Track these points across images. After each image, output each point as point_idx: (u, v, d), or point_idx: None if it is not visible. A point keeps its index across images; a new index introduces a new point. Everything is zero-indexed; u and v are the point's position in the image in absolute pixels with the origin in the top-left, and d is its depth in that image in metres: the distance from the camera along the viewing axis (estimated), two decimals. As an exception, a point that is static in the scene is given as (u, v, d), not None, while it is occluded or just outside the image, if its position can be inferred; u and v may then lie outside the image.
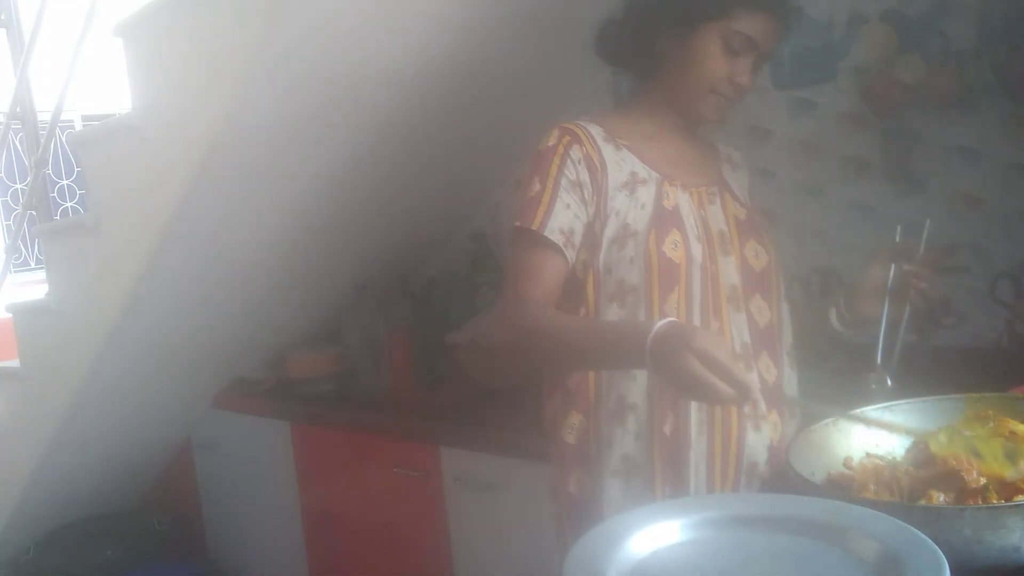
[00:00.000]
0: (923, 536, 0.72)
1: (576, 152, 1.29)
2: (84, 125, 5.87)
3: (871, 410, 1.10)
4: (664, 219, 1.27)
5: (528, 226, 1.27)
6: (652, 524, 0.80)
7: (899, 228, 1.39)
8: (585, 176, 1.29)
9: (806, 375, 1.42)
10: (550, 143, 1.31)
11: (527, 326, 1.23)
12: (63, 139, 4.43)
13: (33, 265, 5.47)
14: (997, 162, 1.82)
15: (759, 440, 1.26)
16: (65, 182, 6.20)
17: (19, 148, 4.70)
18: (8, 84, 2.71)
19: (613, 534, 0.78)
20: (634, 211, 1.28)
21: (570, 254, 1.28)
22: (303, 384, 2.60)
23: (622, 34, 1.36)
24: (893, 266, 1.32)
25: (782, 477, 1.24)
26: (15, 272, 4.35)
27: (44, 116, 2.60)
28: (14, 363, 2.47)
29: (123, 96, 2.02)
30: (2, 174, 5.98)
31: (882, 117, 1.95)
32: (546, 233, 1.26)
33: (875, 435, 1.06)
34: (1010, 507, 0.80)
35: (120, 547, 2.61)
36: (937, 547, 0.71)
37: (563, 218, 1.27)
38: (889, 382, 1.16)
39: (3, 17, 2.77)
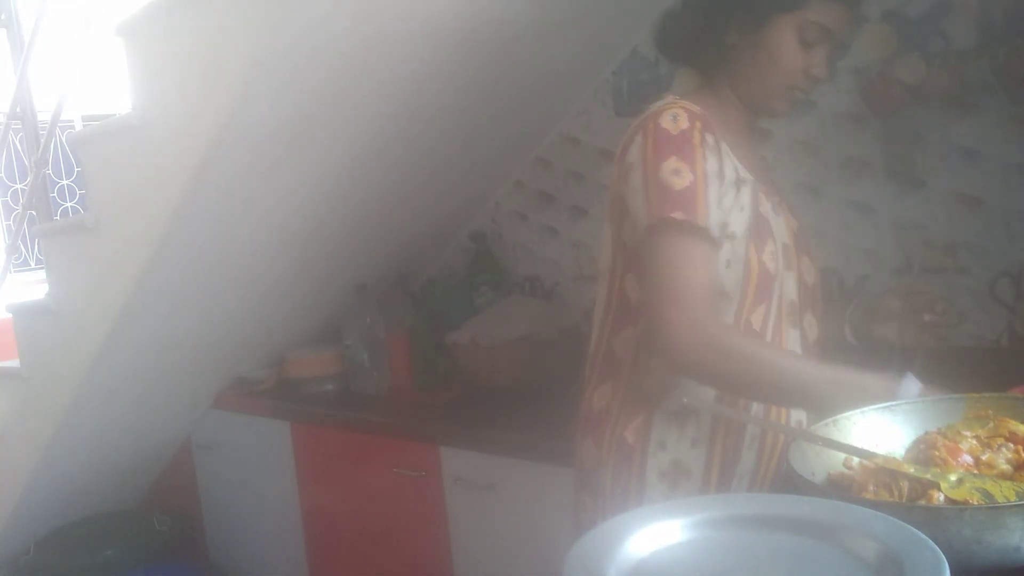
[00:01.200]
0: (923, 536, 0.72)
1: (710, 139, 1.18)
2: (84, 125, 5.86)
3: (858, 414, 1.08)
4: (762, 226, 1.21)
5: (692, 220, 1.13)
6: (652, 524, 0.80)
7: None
8: (718, 165, 1.18)
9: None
10: (683, 124, 1.17)
11: (716, 345, 1.11)
12: (63, 139, 4.43)
13: (33, 265, 5.47)
14: (997, 162, 1.82)
15: None
16: (65, 182, 6.20)
17: (19, 148, 4.71)
18: (8, 84, 2.71)
19: (613, 534, 0.78)
20: (735, 212, 1.19)
21: (726, 246, 1.19)
22: (303, 384, 2.60)
23: (686, 28, 1.28)
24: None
25: (782, 479, 1.25)
26: (15, 272, 4.35)
27: (44, 116, 2.60)
28: (14, 363, 2.47)
29: (123, 96, 2.02)
30: (2, 174, 5.98)
31: (882, 117, 1.95)
32: (706, 227, 1.14)
33: (874, 435, 1.05)
34: (1011, 507, 0.80)
35: (120, 547, 2.61)
36: (937, 547, 0.71)
37: (715, 213, 1.17)
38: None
39: (3, 17, 2.77)
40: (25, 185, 4.09)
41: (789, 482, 0.95)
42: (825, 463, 1.02)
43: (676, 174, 1.14)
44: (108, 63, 2.32)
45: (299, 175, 2.11)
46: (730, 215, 1.18)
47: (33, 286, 3.35)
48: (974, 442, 0.95)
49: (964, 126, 1.84)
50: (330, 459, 2.45)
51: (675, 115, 1.17)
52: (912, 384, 1.05)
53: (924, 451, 0.97)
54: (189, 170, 1.89)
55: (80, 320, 2.24)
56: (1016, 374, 1.41)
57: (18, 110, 2.68)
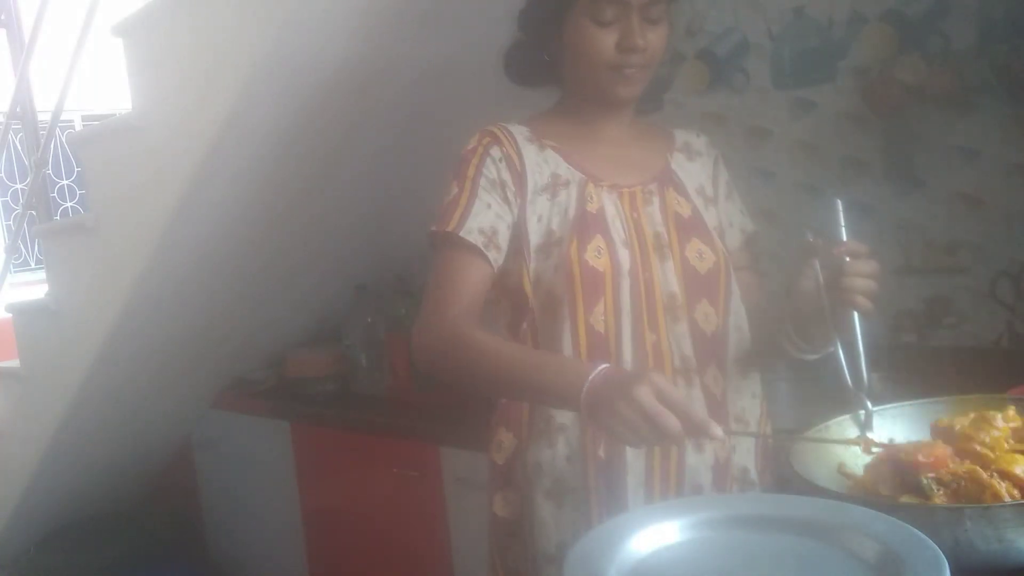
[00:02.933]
0: (923, 536, 0.72)
1: (496, 152, 1.23)
2: (84, 125, 5.87)
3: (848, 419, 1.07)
4: (587, 224, 1.20)
5: (444, 229, 1.20)
6: (652, 524, 0.80)
7: (808, 232, 1.18)
8: (507, 175, 1.22)
9: (806, 375, 1.39)
10: (470, 146, 1.25)
11: (446, 338, 1.17)
12: (63, 139, 4.43)
13: (33, 265, 5.46)
14: (997, 162, 1.82)
15: (701, 461, 1.19)
16: (65, 182, 6.20)
17: (19, 148, 4.70)
18: (8, 84, 2.71)
19: (613, 534, 0.78)
20: (557, 216, 1.21)
21: (493, 256, 1.20)
22: (303, 384, 2.60)
23: (520, 56, 1.31)
24: (820, 274, 1.12)
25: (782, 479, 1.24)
26: (15, 272, 4.34)
27: (44, 116, 2.60)
28: (14, 363, 2.47)
29: (123, 96, 2.02)
30: (2, 174, 5.98)
31: (882, 117, 1.94)
32: (463, 234, 1.18)
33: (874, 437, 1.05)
34: (1012, 506, 0.80)
35: (120, 547, 2.61)
36: (937, 547, 0.71)
37: (483, 218, 1.20)
38: (870, 405, 1.03)
39: (3, 17, 2.77)
40: (25, 185, 4.09)
41: (789, 482, 0.95)
42: (825, 464, 1.02)
43: (448, 193, 1.23)
44: (108, 63, 2.32)
45: (299, 174, 2.11)
46: (552, 221, 1.21)
47: (33, 286, 3.35)
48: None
49: (964, 126, 1.84)
50: (330, 459, 2.45)
51: (473, 138, 1.27)
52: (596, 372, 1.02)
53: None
54: (189, 170, 1.89)
55: (80, 320, 2.24)
56: (1016, 374, 1.41)
57: (18, 110, 2.68)
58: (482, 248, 1.19)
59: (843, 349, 1.08)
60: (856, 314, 1.08)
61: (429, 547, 2.21)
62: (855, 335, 1.07)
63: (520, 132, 1.26)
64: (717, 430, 0.94)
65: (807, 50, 2.03)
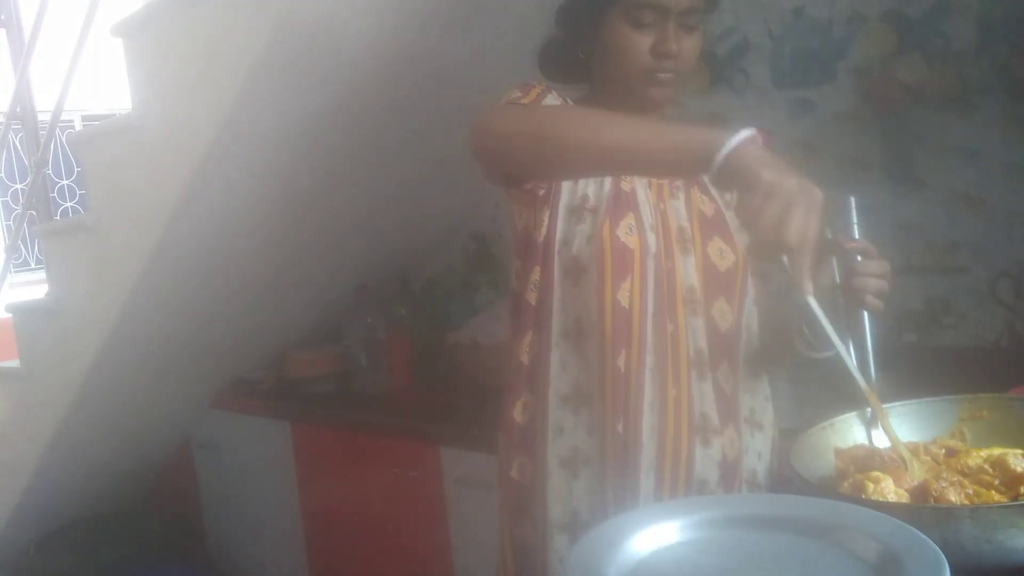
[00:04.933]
0: (923, 536, 0.72)
1: (556, 96, 1.24)
2: (84, 125, 5.87)
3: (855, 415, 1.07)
4: (620, 200, 1.20)
5: (512, 101, 1.19)
6: (652, 524, 0.80)
7: (827, 228, 1.15)
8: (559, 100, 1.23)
9: (808, 375, 1.38)
10: (528, 85, 1.24)
11: (524, 106, 1.15)
12: (63, 139, 4.42)
13: (33, 265, 5.47)
14: (997, 162, 1.82)
15: (708, 456, 1.20)
16: (65, 182, 6.20)
17: (19, 148, 4.71)
18: (8, 84, 2.71)
19: (613, 534, 0.78)
20: (594, 184, 1.21)
21: None
22: (303, 384, 2.60)
23: (555, 53, 1.32)
24: (836, 271, 1.13)
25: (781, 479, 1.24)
26: (15, 272, 4.34)
27: (44, 116, 2.60)
28: (14, 363, 2.47)
29: (123, 96, 2.02)
30: (2, 174, 5.99)
31: (882, 117, 1.95)
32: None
33: (874, 435, 1.05)
34: (1000, 508, 0.80)
35: (120, 547, 2.61)
36: (937, 547, 0.71)
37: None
38: (881, 405, 1.04)
39: (3, 17, 2.77)
40: (25, 185, 4.09)
41: (789, 482, 0.96)
42: (825, 464, 1.02)
43: (507, 95, 1.21)
44: (108, 63, 2.32)
45: (299, 174, 2.11)
46: (588, 187, 1.21)
47: (33, 286, 3.35)
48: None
49: (964, 126, 1.84)
50: (330, 459, 2.45)
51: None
52: (745, 135, 0.98)
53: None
54: (189, 170, 1.89)
55: (80, 320, 2.24)
56: (1016, 374, 1.41)
57: (18, 110, 2.68)
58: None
59: (853, 347, 1.08)
60: (865, 313, 1.09)
61: (429, 547, 2.21)
62: (864, 334, 1.09)
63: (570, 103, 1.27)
64: (809, 286, 0.93)
65: (807, 50, 2.03)
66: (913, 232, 1.93)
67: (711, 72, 2.18)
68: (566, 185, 1.21)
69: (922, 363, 1.87)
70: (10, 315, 2.45)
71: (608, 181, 1.21)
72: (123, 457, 2.70)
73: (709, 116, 2.17)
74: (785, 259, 0.92)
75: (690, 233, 1.23)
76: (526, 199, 1.24)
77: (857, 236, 1.11)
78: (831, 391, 1.10)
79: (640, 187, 1.22)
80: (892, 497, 0.88)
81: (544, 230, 1.22)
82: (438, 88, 2.06)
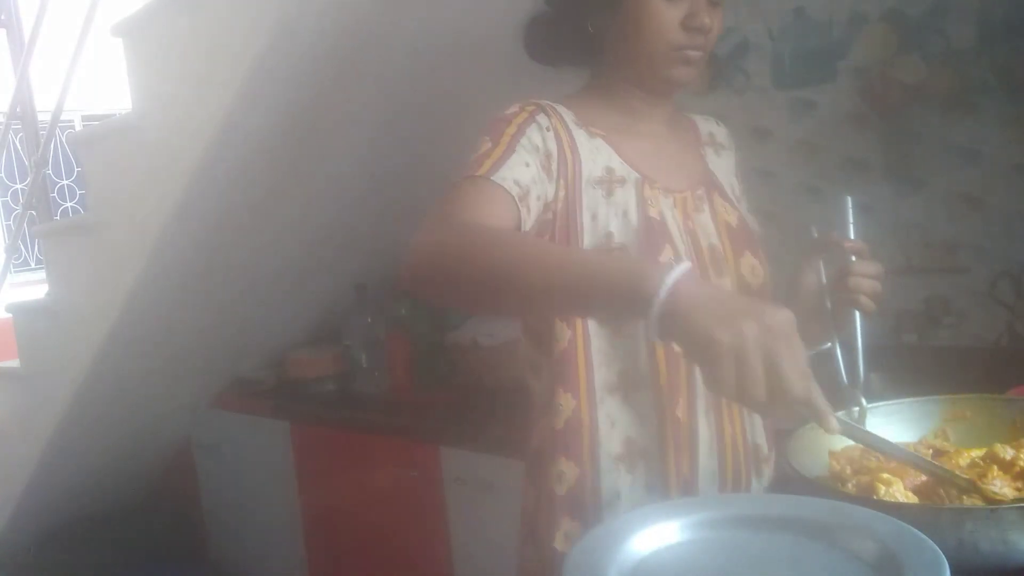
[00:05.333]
0: (923, 536, 0.72)
1: (543, 120, 1.08)
2: (84, 125, 5.87)
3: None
4: (654, 232, 1.07)
5: (467, 175, 1.02)
6: (652, 524, 0.80)
7: (813, 228, 1.15)
8: (553, 147, 1.07)
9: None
10: (511, 110, 1.10)
11: (453, 232, 0.95)
12: (63, 139, 4.42)
13: (33, 265, 5.47)
14: (997, 162, 1.82)
15: (760, 487, 1.13)
16: (65, 182, 6.20)
17: (19, 148, 4.71)
18: (8, 84, 2.71)
19: (613, 534, 0.78)
20: (616, 219, 1.08)
21: (524, 214, 1.02)
22: (303, 384, 2.60)
23: (550, 28, 1.17)
24: (823, 271, 1.09)
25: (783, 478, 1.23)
26: (15, 272, 4.34)
27: (44, 116, 2.60)
28: (14, 363, 2.47)
29: (123, 96, 2.02)
30: (2, 174, 5.98)
31: (882, 117, 1.95)
32: (495, 179, 1.01)
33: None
34: (1017, 508, 0.79)
35: (120, 547, 2.61)
36: (937, 547, 0.71)
37: (521, 173, 1.03)
38: (864, 402, 1.03)
39: (3, 17, 2.77)
40: (25, 185, 4.09)
41: (789, 482, 0.95)
42: (824, 463, 1.02)
43: (479, 148, 1.06)
44: (108, 63, 2.32)
45: (299, 175, 2.11)
46: (610, 222, 1.07)
47: (33, 286, 3.35)
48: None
49: (964, 126, 1.84)
50: (330, 459, 2.45)
51: (514, 105, 1.11)
52: (678, 273, 0.78)
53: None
54: (189, 170, 1.89)
55: (80, 320, 2.24)
56: (1016, 374, 1.41)
57: (18, 110, 2.68)
58: (515, 197, 1.01)
59: (841, 347, 1.08)
60: (857, 313, 1.07)
61: (429, 547, 2.21)
62: (855, 333, 1.07)
63: (566, 114, 1.12)
64: (834, 424, 0.80)
65: (807, 50, 2.03)
66: (913, 232, 1.93)
67: (711, 72, 2.18)
68: (587, 224, 1.07)
69: (922, 363, 1.87)
70: (10, 315, 2.45)
71: (633, 212, 1.08)
72: (123, 457, 2.70)
73: (709, 116, 2.17)
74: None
75: (721, 252, 1.13)
76: None
77: (852, 236, 1.09)
78: (828, 392, 1.10)
79: (667, 209, 1.11)
80: (901, 499, 0.88)
81: None
82: (439, 88, 2.06)
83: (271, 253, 2.32)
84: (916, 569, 0.68)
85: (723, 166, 1.24)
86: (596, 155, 1.11)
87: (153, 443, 2.79)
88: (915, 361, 1.88)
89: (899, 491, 0.89)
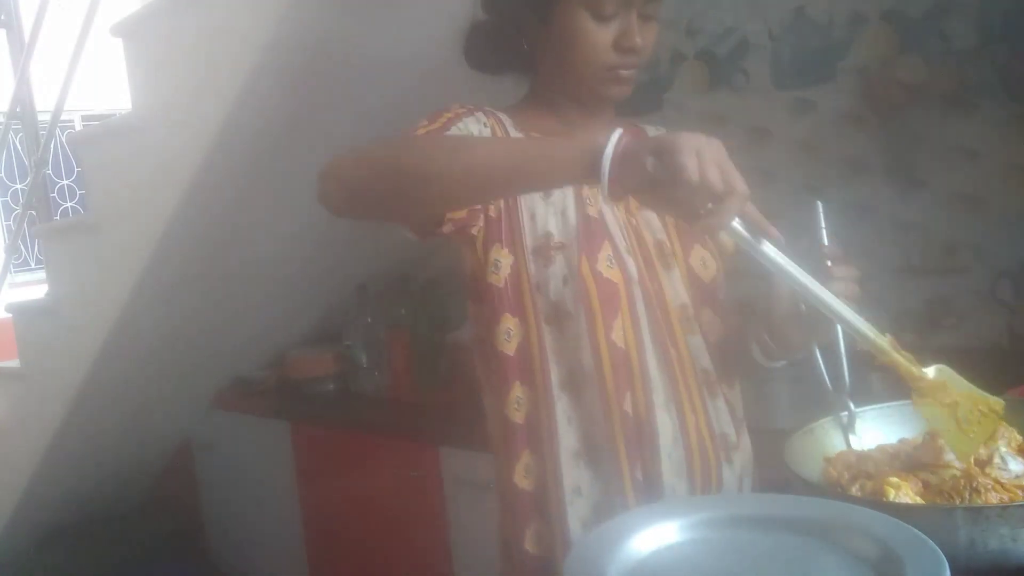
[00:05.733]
0: (923, 536, 0.72)
1: (481, 117, 1.11)
2: (84, 125, 5.87)
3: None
4: (592, 230, 1.08)
5: (416, 129, 1.06)
6: (652, 524, 0.80)
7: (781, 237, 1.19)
8: (476, 127, 1.09)
9: (808, 376, 1.37)
10: (447, 106, 1.12)
11: (390, 139, 0.99)
12: (63, 139, 4.42)
13: (33, 265, 5.47)
14: (997, 162, 1.82)
15: (732, 474, 1.13)
16: (65, 182, 6.20)
17: (19, 148, 4.70)
18: (8, 84, 2.71)
19: (613, 534, 0.78)
20: (554, 219, 1.09)
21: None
22: (303, 384, 2.60)
23: (488, 38, 1.18)
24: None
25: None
26: (15, 272, 4.34)
27: (44, 116, 2.59)
28: (14, 363, 2.47)
29: (123, 96, 2.03)
30: (2, 174, 5.98)
31: (882, 117, 1.95)
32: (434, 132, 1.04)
33: (852, 439, 1.05)
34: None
35: (120, 547, 2.61)
36: (937, 547, 0.71)
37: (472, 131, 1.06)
38: (852, 406, 1.02)
39: (3, 17, 2.77)
40: (25, 185, 4.09)
41: (789, 483, 0.95)
42: (821, 463, 1.02)
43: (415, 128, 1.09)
44: (108, 63, 2.32)
45: (299, 174, 2.10)
46: (548, 222, 1.09)
47: (33, 286, 3.35)
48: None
49: (964, 126, 1.84)
50: (330, 459, 2.45)
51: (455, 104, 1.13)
52: (620, 131, 0.84)
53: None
54: (189, 170, 1.90)
55: (80, 320, 2.24)
56: (1016, 374, 1.40)
57: (18, 110, 2.68)
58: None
59: (821, 353, 1.07)
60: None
61: (429, 547, 2.21)
62: (837, 338, 1.05)
63: (506, 119, 1.14)
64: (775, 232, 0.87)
65: (807, 50, 2.03)
66: (913, 232, 1.93)
67: (711, 72, 2.18)
68: (527, 225, 1.09)
69: (922, 363, 1.86)
70: (10, 315, 2.45)
71: (572, 211, 1.09)
72: (123, 457, 2.70)
73: (709, 116, 2.18)
74: (736, 223, 0.85)
75: (669, 245, 1.14)
76: (461, 239, 1.12)
77: (826, 241, 1.08)
78: (817, 400, 1.10)
79: (607, 208, 1.12)
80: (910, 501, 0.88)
81: (502, 273, 1.09)
82: (438, 87, 2.06)
83: (271, 253, 2.32)
84: (916, 569, 0.68)
85: None
86: None
87: (153, 443, 2.79)
88: (915, 361, 1.88)
89: (907, 495, 0.89)
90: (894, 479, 0.90)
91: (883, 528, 0.74)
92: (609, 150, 0.83)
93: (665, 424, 1.09)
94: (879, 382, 1.79)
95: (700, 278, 1.15)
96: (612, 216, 1.12)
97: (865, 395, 1.11)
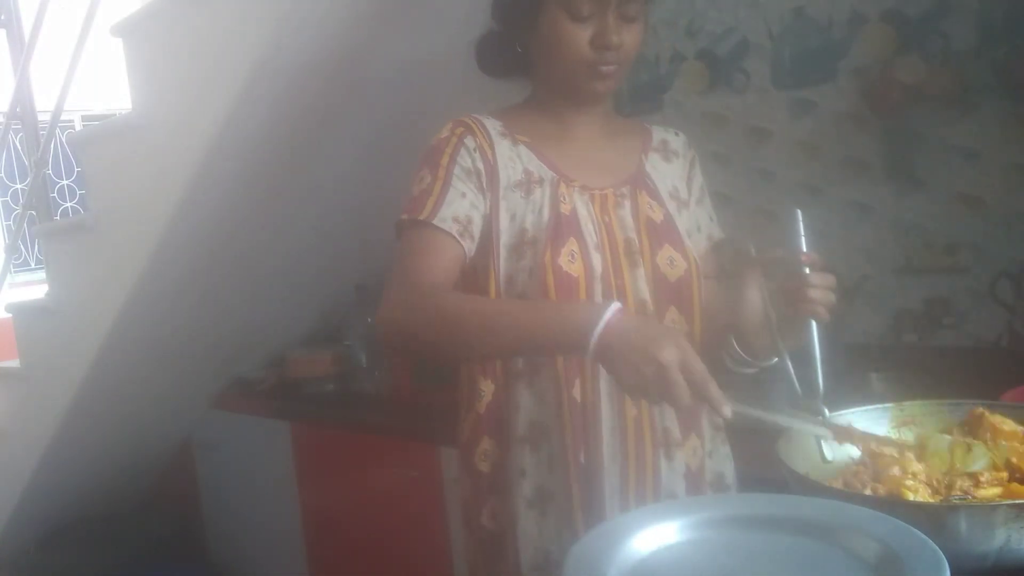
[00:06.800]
0: (923, 536, 0.72)
1: (470, 141, 1.19)
2: (84, 125, 5.87)
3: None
4: (561, 227, 1.16)
5: (416, 217, 1.15)
6: (652, 524, 0.80)
7: (751, 245, 1.19)
8: (481, 166, 1.18)
9: (803, 375, 1.37)
10: (443, 135, 1.22)
11: (417, 300, 1.10)
12: (63, 139, 4.42)
13: (33, 265, 5.47)
14: (997, 162, 1.82)
15: (672, 470, 1.19)
16: (65, 182, 6.20)
17: (19, 148, 4.71)
18: (8, 84, 2.71)
19: (613, 534, 0.78)
20: (531, 215, 1.18)
21: (468, 245, 1.16)
22: (303, 384, 2.60)
23: (495, 43, 1.26)
24: (764, 286, 1.15)
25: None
26: (15, 272, 4.35)
27: (44, 116, 2.60)
28: (14, 363, 2.47)
29: (123, 96, 2.03)
30: (2, 174, 5.99)
31: (882, 117, 1.95)
32: (436, 222, 1.14)
33: (825, 448, 1.05)
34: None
35: (120, 547, 2.61)
36: (937, 547, 0.71)
37: (458, 207, 1.16)
38: (826, 412, 1.04)
39: (3, 17, 2.77)
40: (25, 185, 4.09)
41: (787, 483, 0.95)
42: (818, 462, 1.02)
43: (420, 182, 1.19)
44: (108, 63, 2.32)
45: (298, 174, 2.11)
46: (526, 219, 1.18)
47: (33, 286, 3.35)
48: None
49: (964, 126, 1.84)
50: (330, 459, 2.45)
51: (446, 128, 1.23)
52: (613, 307, 0.97)
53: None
54: (189, 170, 1.90)
55: (80, 320, 2.24)
56: (1016, 374, 1.41)
57: (18, 110, 2.68)
58: (456, 236, 1.15)
59: (792, 360, 1.09)
60: (814, 324, 1.09)
61: (429, 547, 2.21)
62: (812, 344, 1.08)
63: (493, 125, 1.23)
64: (728, 410, 0.94)
65: (807, 50, 2.03)
66: (913, 232, 1.93)
67: (711, 72, 2.18)
68: (504, 224, 1.18)
69: (922, 363, 1.87)
70: (10, 315, 2.45)
71: (547, 208, 1.18)
72: (123, 457, 2.71)
73: (709, 116, 2.18)
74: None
75: (637, 244, 1.20)
76: None
77: (805, 248, 1.11)
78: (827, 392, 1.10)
79: (581, 204, 1.19)
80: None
81: (488, 277, 1.18)
82: (437, 86, 2.06)
83: (271, 253, 2.32)
84: (916, 569, 0.68)
85: (670, 171, 1.30)
86: (516, 161, 1.21)
87: (153, 443, 2.79)
88: (915, 361, 1.88)
89: (923, 495, 0.89)
90: (910, 482, 0.90)
91: (883, 528, 0.74)
92: (595, 335, 0.95)
93: (606, 412, 1.17)
94: (878, 382, 1.80)
95: (666, 277, 1.20)
96: (586, 213, 1.20)
97: (865, 395, 1.12)
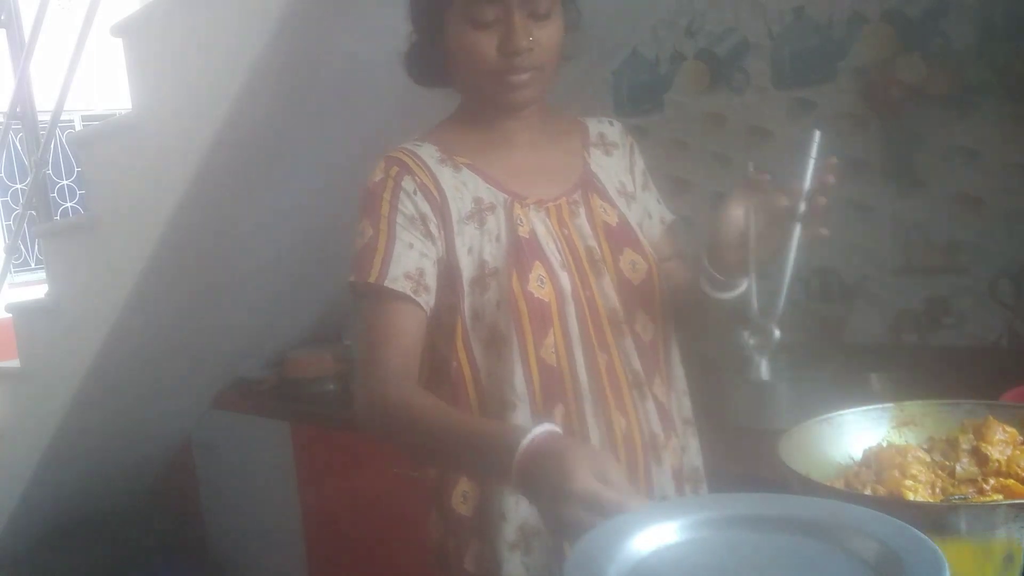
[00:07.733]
0: (923, 536, 0.72)
1: (409, 183, 1.13)
2: (84, 125, 5.87)
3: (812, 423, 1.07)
4: (522, 251, 1.11)
5: (365, 280, 1.09)
6: (652, 524, 0.80)
7: (751, 164, 1.13)
8: (426, 207, 1.12)
9: (805, 376, 1.37)
10: (377, 177, 1.15)
11: (383, 406, 1.07)
12: (63, 139, 4.43)
13: (33, 265, 5.47)
14: (997, 162, 1.82)
15: (662, 472, 1.17)
16: (65, 182, 6.20)
17: (19, 148, 4.71)
18: (8, 84, 2.71)
19: (613, 534, 0.78)
20: (489, 245, 1.12)
21: (424, 299, 1.10)
22: (303, 384, 2.60)
23: (414, 54, 1.20)
24: (752, 220, 1.08)
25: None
26: (15, 272, 4.35)
27: (44, 116, 2.60)
28: (14, 363, 2.47)
29: (123, 96, 2.03)
30: (2, 174, 5.99)
31: (882, 117, 1.95)
32: (388, 284, 1.08)
33: (816, 447, 1.05)
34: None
35: (120, 547, 2.61)
36: (937, 547, 0.71)
37: (407, 261, 1.10)
38: (777, 333, 1.02)
39: (3, 17, 2.77)
40: (25, 185, 4.09)
41: (787, 482, 0.95)
42: (818, 461, 1.02)
43: (362, 236, 1.13)
44: (108, 63, 2.32)
45: (298, 174, 2.11)
46: (484, 251, 1.12)
47: (33, 286, 3.35)
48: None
49: (964, 126, 1.84)
50: (330, 459, 2.45)
51: (378, 167, 1.17)
52: (545, 428, 0.92)
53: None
54: (189, 170, 1.90)
55: (80, 320, 2.24)
56: (1016, 374, 1.41)
57: (18, 110, 2.68)
58: (411, 295, 1.09)
59: (757, 282, 1.07)
60: (793, 246, 1.04)
61: (429, 547, 2.20)
62: (787, 265, 1.04)
63: (429, 154, 1.16)
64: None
65: (807, 50, 2.03)
66: (913, 232, 1.93)
67: (711, 72, 2.18)
68: (464, 261, 1.12)
69: (922, 363, 1.87)
70: (10, 315, 2.45)
71: (504, 234, 1.12)
72: (123, 457, 2.71)
73: (709, 116, 2.18)
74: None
75: (599, 252, 1.16)
76: None
77: (811, 169, 1.05)
78: (827, 393, 1.10)
79: (539, 222, 1.14)
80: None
81: (454, 316, 1.12)
82: (434, 93, 2.06)
83: (271, 252, 2.32)
84: (916, 569, 0.68)
85: (612, 165, 1.25)
86: (463, 190, 1.14)
87: (153, 443, 2.79)
88: (915, 361, 1.88)
89: (925, 495, 0.89)
90: (909, 482, 0.90)
91: (883, 528, 0.74)
92: (514, 467, 0.89)
93: (594, 432, 1.12)
94: (879, 381, 1.80)
95: (630, 281, 1.17)
96: (545, 231, 1.14)
97: (865, 395, 1.12)
